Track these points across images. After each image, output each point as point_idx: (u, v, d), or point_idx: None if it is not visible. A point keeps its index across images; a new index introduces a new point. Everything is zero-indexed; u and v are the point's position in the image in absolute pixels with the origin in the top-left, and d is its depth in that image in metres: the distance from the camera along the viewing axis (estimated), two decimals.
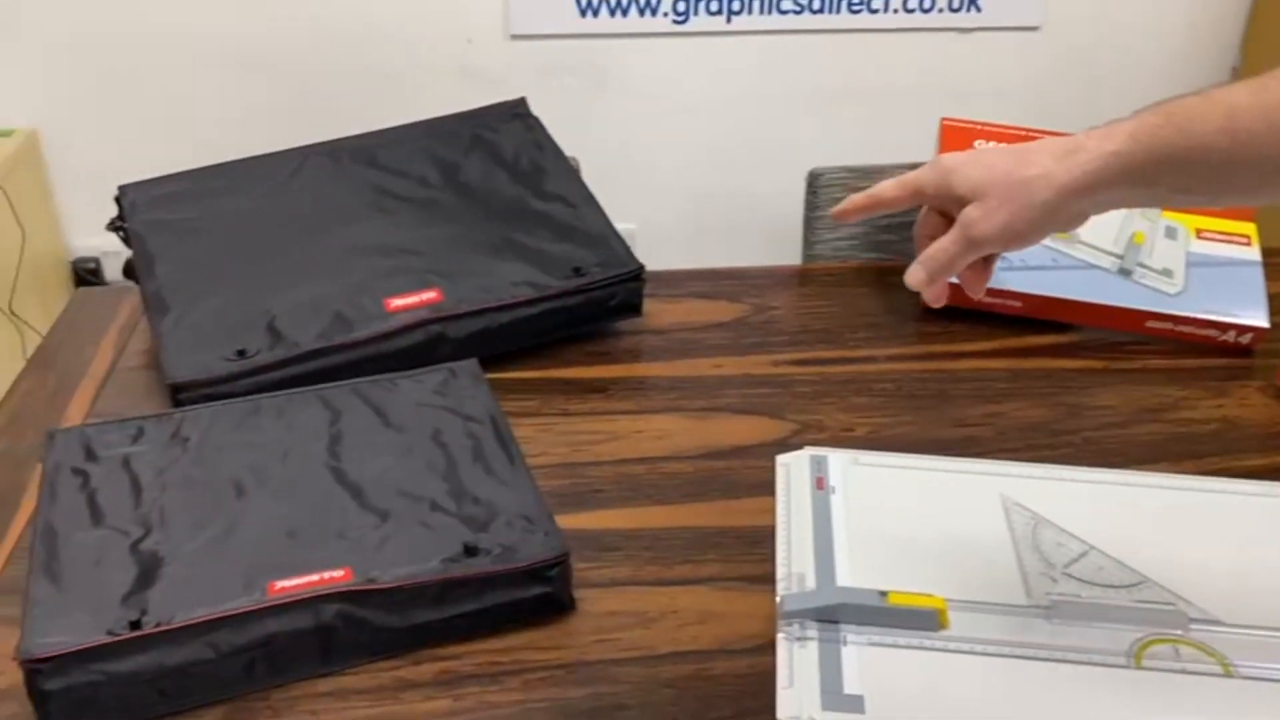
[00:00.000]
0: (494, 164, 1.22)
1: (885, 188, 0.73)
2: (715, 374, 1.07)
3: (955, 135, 1.31)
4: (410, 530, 0.78)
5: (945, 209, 0.71)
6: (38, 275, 1.83)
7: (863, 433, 0.99)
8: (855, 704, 0.71)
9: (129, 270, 1.99)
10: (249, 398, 0.93)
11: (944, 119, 1.33)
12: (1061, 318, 1.15)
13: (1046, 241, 0.77)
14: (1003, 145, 0.71)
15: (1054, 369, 1.09)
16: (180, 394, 0.95)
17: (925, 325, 1.16)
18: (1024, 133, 1.33)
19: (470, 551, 0.76)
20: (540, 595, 0.77)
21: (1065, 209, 0.64)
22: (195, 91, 1.86)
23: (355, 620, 0.73)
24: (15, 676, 0.73)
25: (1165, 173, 0.61)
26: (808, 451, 0.94)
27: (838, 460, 0.93)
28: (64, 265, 1.94)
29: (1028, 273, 1.15)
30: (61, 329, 1.15)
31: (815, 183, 1.34)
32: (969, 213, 0.66)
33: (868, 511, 0.88)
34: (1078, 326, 1.15)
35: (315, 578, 0.73)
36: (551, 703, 0.72)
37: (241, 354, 0.98)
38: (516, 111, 1.29)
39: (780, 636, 0.76)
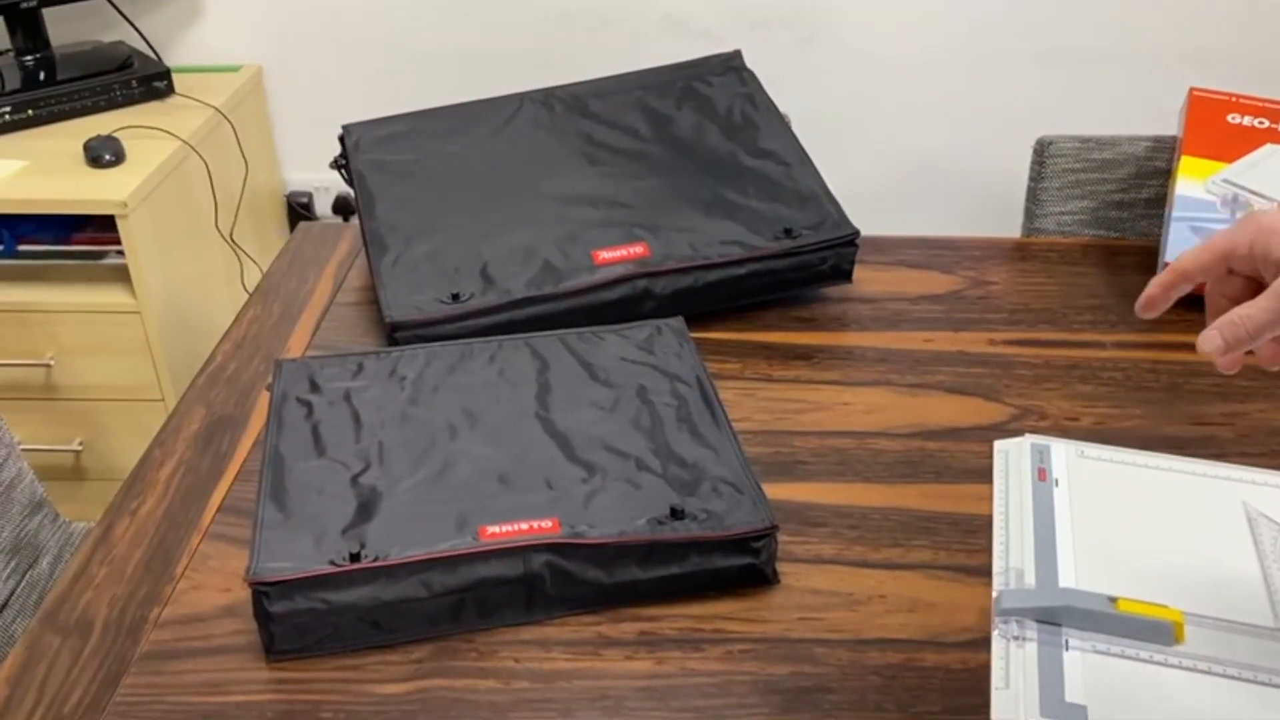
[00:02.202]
0: (706, 118, 1.20)
1: (1190, 258, 0.63)
2: (927, 349, 1.02)
3: (1204, 107, 1.21)
4: (617, 487, 0.78)
5: (1254, 271, 0.63)
6: (255, 207, 1.92)
7: (1088, 423, 0.93)
8: (1078, 714, 0.66)
9: (339, 206, 2.07)
10: (461, 341, 0.94)
11: (1193, 89, 1.22)
12: None
13: None
14: None
15: None
16: (397, 332, 0.98)
17: None
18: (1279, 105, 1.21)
19: (677, 514, 0.75)
20: (745, 566, 0.76)
21: None
22: (407, 36, 1.90)
23: (561, 572, 0.73)
24: (239, 594, 0.77)
25: None
26: (1029, 439, 0.89)
27: (1062, 451, 0.87)
28: (279, 199, 2.03)
29: None
30: (284, 260, 1.19)
31: (1044, 152, 1.26)
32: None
33: (1094, 508, 0.82)
34: None
35: (524, 526, 0.74)
36: (753, 677, 0.70)
37: (455, 298, 0.99)
38: (731, 64, 1.25)
39: (995, 634, 0.72)
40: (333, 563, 0.71)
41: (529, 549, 0.72)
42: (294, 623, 0.70)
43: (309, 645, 0.71)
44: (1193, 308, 1.05)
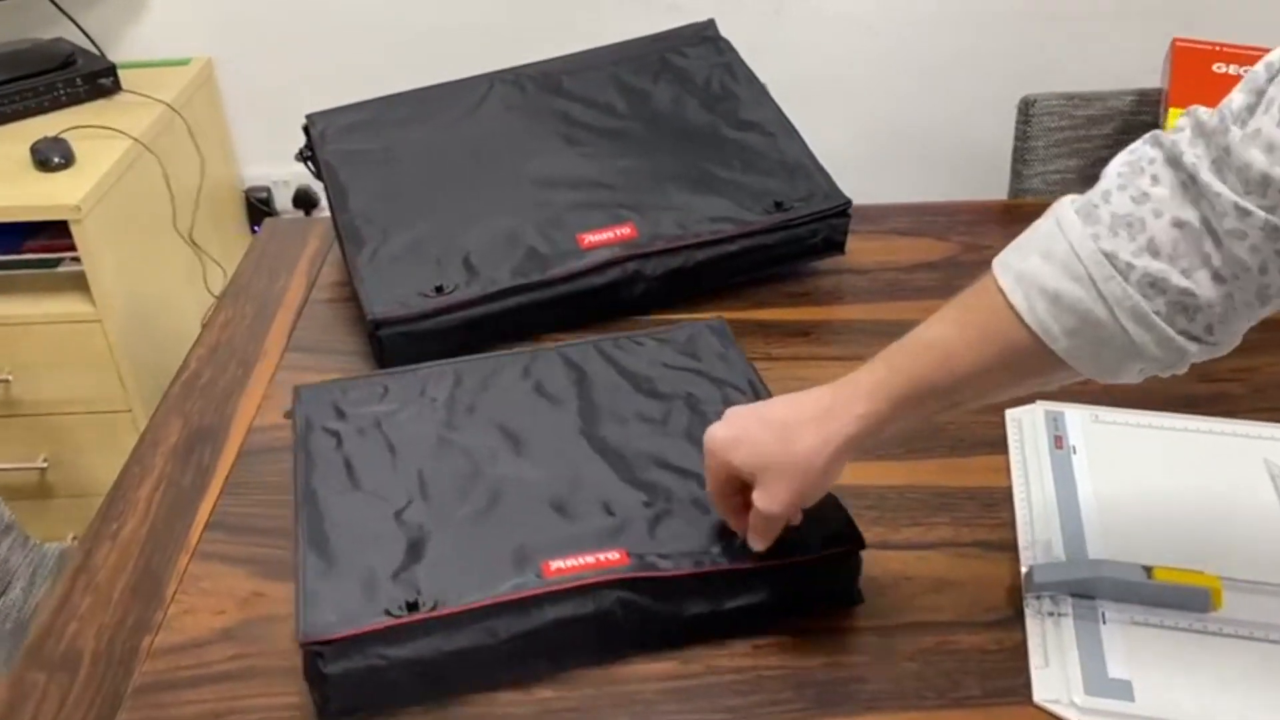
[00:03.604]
0: (684, 91, 1.16)
1: (710, 486, 0.69)
2: (926, 319, 0.99)
3: (1188, 57, 1.19)
4: (683, 510, 0.72)
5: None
6: (214, 204, 1.86)
7: (1097, 386, 0.90)
8: (1122, 689, 0.64)
9: (300, 200, 2.01)
10: (490, 355, 0.88)
11: (1176, 39, 1.21)
12: None
13: None
14: (761, 415, 0.67)
15: None
16: (380, 329, 0.93)
17: None
18: (1264, 53, 1.20)
19: None
20: (830, 588, 0.70)
21: (839, 466, 0.66)
22: (362, 19, 1.84)
23: (636, 608, 0.67)
24: (235, 616, 0.72)
25: (907, 413, 0.64)
26: (1041, 406, 0.86)
27: (1076, 417, 0.85)
28: (238, 194, 1.97)
29: None
30: (252, 260, 1.14)
31: (1029, 110, 1.24)
32: (757, 497, 0.66)
33: (1115, 475, 0.80)
34: None
35: (590, 559, 0.67)
36: (784, 671, 0.67)
37: (439, 290, 0.95)
38: (706, 34, 1.22)
39: (1029, 611, 0.70)
40: (388, 613, 0.64)
41: (599, 585, 0.66)
42: (351, 683, 0.64)
43: (366, 704, 0.65)
44: None
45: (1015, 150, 1.27)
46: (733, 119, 1.12)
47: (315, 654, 0.63)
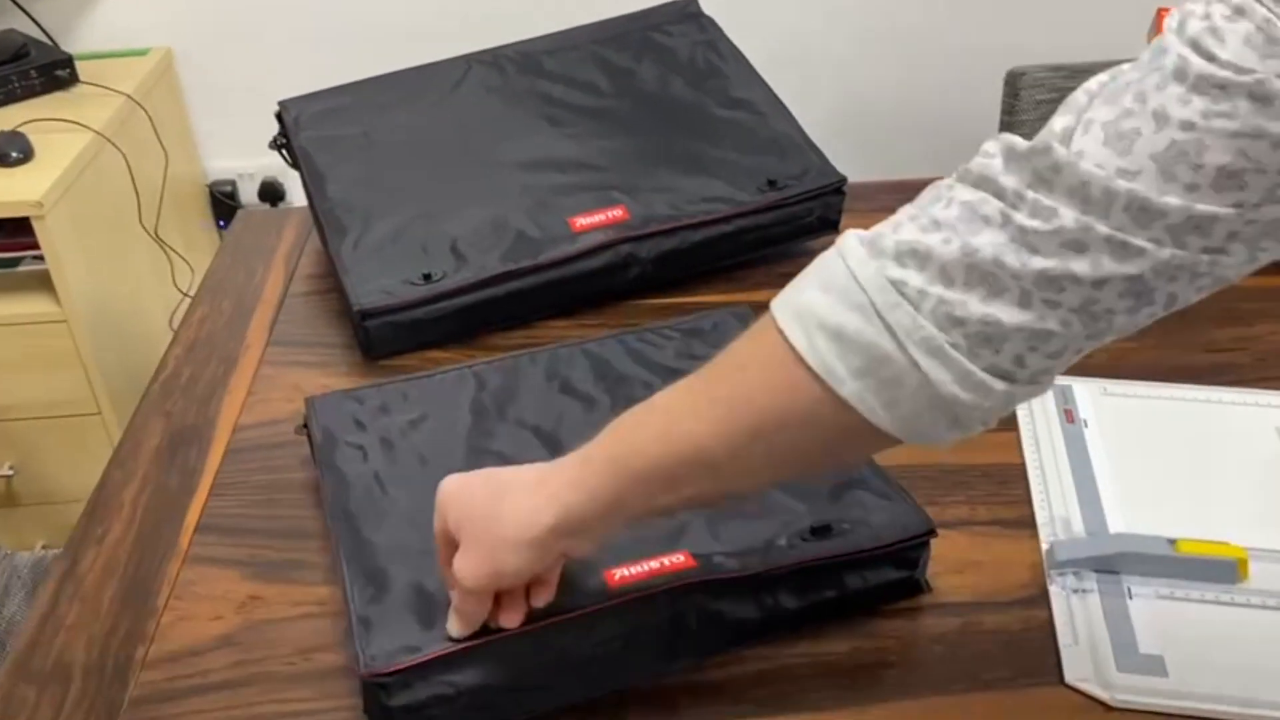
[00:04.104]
0: (669, 69, 1.13)
1: (441, 554, 0.60)
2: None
3: None
4: (738, 504, 0.67)
5: None
6: (178, 199, 1.81)
7: (1102, 359, 0.87)
8: (1155, 665, 0.63)
9: (265, 193, 1.96)
10: (511, 354, 0.84)
11: (1161, 9, 1.19)
12: None
13: None
14: (492, 473, 0.60)
15: None
16: (367, 320, 0.90)
17: None
18: None
19: (819, 531, 0.67)
20: (900, 580, 0.68)
21: (544, 546, 0.56)
22: (326, 7, 1.80)
23: (706, 611, 0.64)
24: (232, 621, 0.69)
25: (626, 490, 0.55)
26: None
27: (1085, 390, 0.84)
28: (201, 189, 1.91)
29: None
30: (227, 254, 1.11)
31: (1016, 83, 1.23)
32: (456, 562, 0.58)
33: (1128, 447, 0.79)
34: None
35: (654, 564, 0.63)
36: (809, 659, 0.65)
37: (427, 278, 0.92)
38: (688, 11, 1.19)
39: (1053, 588, 0.69)
40: (450, 639, 0.60)
41: (670, 591, 0.63)
42: (416, 716, 0.60)
43: None
44: None
45: (1002, 123, 1.25)
46: (721, 97, 1.10)
47: (378, 687, 0.59)
